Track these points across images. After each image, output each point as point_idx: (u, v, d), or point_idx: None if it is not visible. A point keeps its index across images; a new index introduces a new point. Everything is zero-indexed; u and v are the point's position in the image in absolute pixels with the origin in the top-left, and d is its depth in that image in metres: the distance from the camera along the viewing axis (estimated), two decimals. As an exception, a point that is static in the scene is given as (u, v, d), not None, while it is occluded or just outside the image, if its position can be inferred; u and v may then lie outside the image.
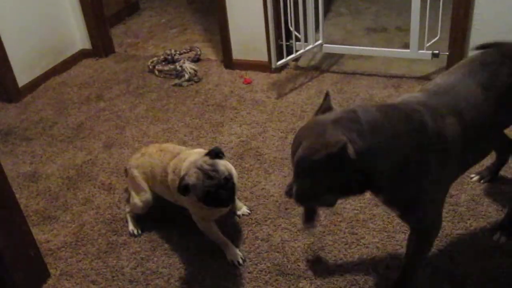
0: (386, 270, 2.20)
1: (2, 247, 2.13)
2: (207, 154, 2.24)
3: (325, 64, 3.94)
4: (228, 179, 2.17)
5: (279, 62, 3.61)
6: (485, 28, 3.23)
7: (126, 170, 2.64)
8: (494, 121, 1.89)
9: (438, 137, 1.70)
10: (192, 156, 2.32)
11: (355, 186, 1.65)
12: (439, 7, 3.31)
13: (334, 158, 1.50)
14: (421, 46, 3.48)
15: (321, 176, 1.59)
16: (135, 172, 2.51)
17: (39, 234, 2.56)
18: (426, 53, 3.48)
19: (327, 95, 1.72)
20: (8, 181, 2.12)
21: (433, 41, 3.41)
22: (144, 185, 2.50)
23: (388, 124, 1.62)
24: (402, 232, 2.37)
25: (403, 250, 2.27)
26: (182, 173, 2.21)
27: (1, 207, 2.09)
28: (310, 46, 3.72)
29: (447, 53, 3.42)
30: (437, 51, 3.45)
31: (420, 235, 1.93)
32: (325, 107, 1.70)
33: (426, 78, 3.58)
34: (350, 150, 1.51)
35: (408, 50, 3.57)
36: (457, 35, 3.32)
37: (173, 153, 2.45)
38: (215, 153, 2.23)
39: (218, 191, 2.15)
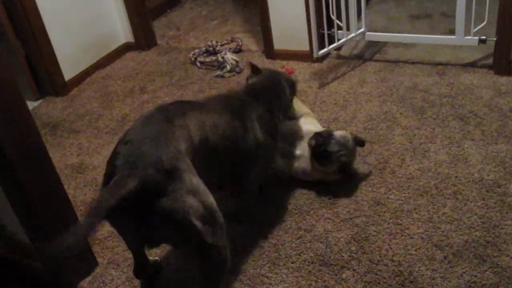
0: (431, 261, 2.16)
1: (52, 237, 2.20)
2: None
3: (368, 53, 3.88)
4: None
5: (321, 52, 3.57)
6: (535, 11, 3.11)
7: None
8: None
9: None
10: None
11: None
12: (486, -10, 3.21)
13: None
14: (467, 32, 3.37)
15: None
16: None
17: (87, 224, 2.62)
18: (472, 39, 3.38)
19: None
20: (56, 172, 2.18)
21: (480, 26, 3.30)
22: None
23: None
24: (448, 223, 2.32)
25: (449, 241, 2.24)
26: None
27: (50, 198, 2.16)
28: (352, 35, 3.67)
29: (495, 39, 3.31)
30: (484, 37, 3.34)
31: None
32: None
33: (473, 65, 3.48)
34: None
35: (454, 36, 3.47)
36: (506, 19, 3.20)
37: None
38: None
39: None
